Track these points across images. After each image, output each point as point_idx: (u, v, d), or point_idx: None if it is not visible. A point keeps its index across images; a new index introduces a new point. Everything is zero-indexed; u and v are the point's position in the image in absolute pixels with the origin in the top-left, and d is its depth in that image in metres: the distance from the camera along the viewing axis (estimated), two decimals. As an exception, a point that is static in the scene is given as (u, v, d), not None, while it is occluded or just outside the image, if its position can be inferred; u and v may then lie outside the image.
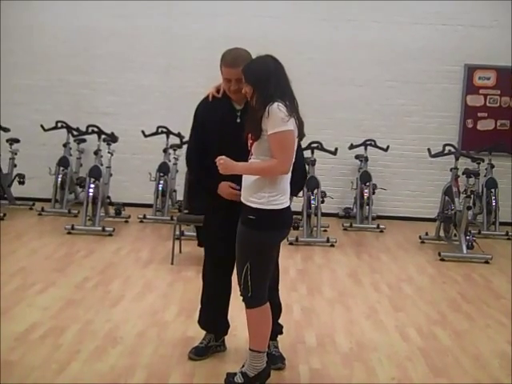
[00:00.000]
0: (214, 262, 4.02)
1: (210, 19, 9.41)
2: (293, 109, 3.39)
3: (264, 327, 3.60)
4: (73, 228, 7.50)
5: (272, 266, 3.64)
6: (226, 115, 3.75)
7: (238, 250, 3.56)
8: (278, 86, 3.38)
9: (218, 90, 3.86)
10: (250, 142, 3.43)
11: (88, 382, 3.61)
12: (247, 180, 3.45)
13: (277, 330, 3.97)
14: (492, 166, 9.06)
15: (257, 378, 3.59)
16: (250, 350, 3.59)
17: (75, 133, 8.84)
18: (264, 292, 3.57)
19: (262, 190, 3.39)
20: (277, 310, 3.96)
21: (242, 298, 3.61)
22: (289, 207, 3.49)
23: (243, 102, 3.70)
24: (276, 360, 3.89)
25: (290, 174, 3.48)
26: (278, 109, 3.29)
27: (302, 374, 3.87)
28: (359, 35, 9.44)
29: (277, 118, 3.28)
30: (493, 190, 8.88)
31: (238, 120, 3.71)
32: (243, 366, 3.65)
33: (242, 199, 3.49)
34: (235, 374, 3.64)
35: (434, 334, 4.68)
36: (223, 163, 3.41)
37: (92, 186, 7.74)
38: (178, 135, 8.83)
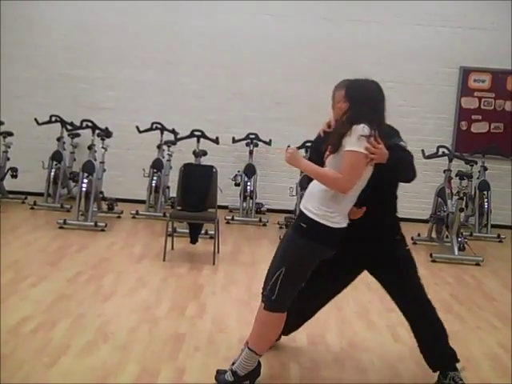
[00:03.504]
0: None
1: (210, 16, 9.43)
2: (379, 137, 3.34)
3: (271, 333, 3.62)
4: (65, 223, 7.48)
5: (305, 279, 3.59)
6: None
7: (278, 252, 3.57)
8: (373, 112, 3.37)
9: (329, 126, 3.79)
10: (327, 153, 3.40)
11: (79, 376, 3.60)
12: (312, 188, 3.44)
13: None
14: (485, 169, 9.10)
15: (247, 377, 3.60)
16: (247, 347, 3.59)
17: (69, 127, 8.83)
18: (287, 301, 3.56)
19: (321, 203, 3.36)
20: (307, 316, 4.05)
21: (262, 296, 3.61)
22: (341, 229, 3.42)
23: None
24: None
25: (353, 198, 3.43)
26: (362, 130, 3.27)
27: (292, 373, 3.87)
28: (358, 35, 9.47)
29: (359, 138, 3.26)
30: (485, 193, 8.92)
31: None
32: (233, 364, 3.65)
33: (301, 205, 3.49)
34: (225, 371, 3.64)
35: (425, 334, 4.69)
36: (291, 153, 3.42)
37: (85, 180, 7.72)
38: (173, 131, 8.83)
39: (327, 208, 3.36)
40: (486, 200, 8.88)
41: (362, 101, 3.39)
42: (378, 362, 4.14)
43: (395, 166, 3.49)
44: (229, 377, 3.59)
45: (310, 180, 3.53)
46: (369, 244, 3.69)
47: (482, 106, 9.62)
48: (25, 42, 9.47)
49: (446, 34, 9.46)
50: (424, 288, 3.79)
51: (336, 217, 3.37)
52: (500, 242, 8.60)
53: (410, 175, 3.81)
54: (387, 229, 3.80)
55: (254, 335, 3.61)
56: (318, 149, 3.61)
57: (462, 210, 7.45)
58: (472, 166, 8.72)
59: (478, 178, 9.06)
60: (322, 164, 3.44)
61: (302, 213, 3.45)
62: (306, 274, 3.57)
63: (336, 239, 3.44)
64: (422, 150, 8.34)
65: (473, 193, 9.06)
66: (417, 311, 3.79)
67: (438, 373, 3.79)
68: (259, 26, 9.45)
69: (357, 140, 3.25)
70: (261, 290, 5.33)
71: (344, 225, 3.43)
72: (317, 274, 3.63)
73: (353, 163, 3.27)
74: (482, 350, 4.43)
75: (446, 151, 8.39)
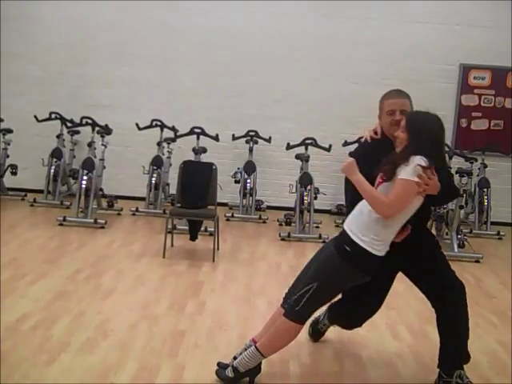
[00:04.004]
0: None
1: (208, 14, 9.42)
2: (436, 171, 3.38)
3: (284, 340, 3.62)
4: (65, 220, 7.48)
5: (333, 298, 3.65)
6: (385, 151, 3.63)
7: (313, 265, 3.57)
8: (432, 146, 3.38)
9: (375, 132, 3.78)
10: (378, 180, 3.42)
11: (78, 373, 3.60)
12: (361, 212, 3.44)
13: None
14: (485, 166, 9.09)
15: (247, 373, 3.61)
16: (255, 346, 3.60)
17: (69, 124, 8.83)
18: (309, 314, 3.60)
19: (369, 230, 3.39)
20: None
21: (284, 302, 3.68)
22: (382, 258, 3.45)
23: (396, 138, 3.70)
24: None
25: (399, 228, 3.45)
26: (419, 160, 3.29)
27: (292, 370, 3.88)
28: (356, 33, 9.46)
29: (415, 167, 3.28)
30: (485, 190, 8.91)
31: None
32: (235, 358, 3.67)
33: (346, 226, 3.50)
34: (226, 365, 3.66)
35: (425, 331, 4.70)
36: (350, 163, 3.41)
37: (85, 177, 7.71)
38: (172, 128, 8.83)
39: (374, 235, 3.38)
40: (485, 197, 8.88)
41: (423, 135, 3.37)
42: (377, 358, 4.15)
43: (444, 195, 3.54)
44: (229, 372, 3.61)
45: (356, 197, 3.52)
46: (408, 249, 3.68)
47: (482, 103, 9.62)
48: (24, 39, 9.46)
49: (445, 32, 9.45)
50: (458, 284, 3.76)
51: (380, 245, 3.41)
52: (500, 239, 8.60)
53: (453, 199, 3.85)
54: (425, 233, 3.90)
55: (267, 338, 3.61)
56: (363, 155, 3.64)
57: (461, 207, 7.45)
58: (472, 163, 8.72)
59: (477, 176, 9.06)
60: (368, 175, 3.43)
61: (345, 233, 3.46)
62: (336, 295, 3.64)
63: (375, 267, 3.47)
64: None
65: (472, 190, 9.06)
66: (447, 307, 3.74)
67: (438, 369, 3.79)
68: (259, 23, 9.45)
69: (412, 169, 3.27)
70: (260, 288, 5.36)
71: (384, 253, 3.46)
72: (360, 289, 3.66)
73: (403, 191, 3.29)
74: (481, 346, 4.44)
75: (446, 148, 8.38)
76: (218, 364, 3.71)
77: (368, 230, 3.38)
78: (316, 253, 3.74)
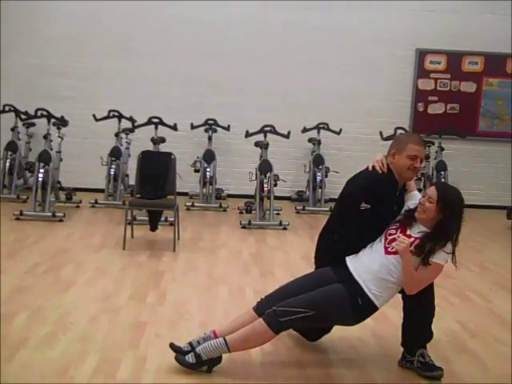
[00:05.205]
0: None
1: (168, 2, 9.35)
2: None
3: (255, 343, 3.64)
4: (21, 214, 7.36)
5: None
6: (390, 188, 3.83)
7: (315, 293, 3.59)
8: (458, 223, 3.59)
9: (382, 163, 3.88)
10: (411, 249, 3.52)
11: (38, 369, 3.54)
12: (381, 273, 3.58)
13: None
14: (442, 149, 9.21)
15: (208, 362, 3.59)
16: (223, 339, 3.57)
17: (23, 116, 8.66)
18: (287, 329, 3.69)
19: (387, 292, 3.60)
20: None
21: (258, 306, 3.74)
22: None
23: (405, 181, 3.90)
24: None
25: None
26: (451, 247, 3.55)
27: (253, 357, 3.87)
28: (314, 20, 9.47)
29: (449, 256, 3.55)
30: (442, 173, 9.04)
31: (397, 193, 3.87)
32: (190, 344, 3.65)
33: (361, 279, 3.59)
34: (179, 347, 3.65)
35: (386, 315, 4.72)
36: (407, 245, 3.50)
37: (41, 170, 7.60)
38: (130, 119, 8.74)
39: (388, 297, 3.64)
40: (443, 180, 9.00)
41: (455, 213, 3.57)
42: (339, 343, 4.16)
43: None
44: (190, 358, 3.58)
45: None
46: None
47: (438, 87, 9.75)
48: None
49: (401, 16, 9.53)
50: None
51: (385, 303, 3.67)
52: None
53: None
54: None
55: (239, 337, 3.58)
56: (370, 186, 3.77)
57: (419, 190, 7.53)
58: (429, 146, 8.83)
59: (435, 159, 9.18)
60: (373, 206, 3.66)
61: (358, 285, 3.58)
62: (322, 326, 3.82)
63: (368, 316, 3.72)
64: (380, 132, 8.48)
65: (430, 173, 9.18)
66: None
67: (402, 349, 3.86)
68: (220, 12, 9.40)
69: (447, 256, 3.55)
70: (221, 276, 5.34)
71: None
72: None
73: (434, 274, 3.57)
74: (440, 326, 4.47)
75: (404, 132, 8.46)
76: (171, 345, 3.67)
77: (387, 293, 3.61)
78: (315, 274, 3.85)
